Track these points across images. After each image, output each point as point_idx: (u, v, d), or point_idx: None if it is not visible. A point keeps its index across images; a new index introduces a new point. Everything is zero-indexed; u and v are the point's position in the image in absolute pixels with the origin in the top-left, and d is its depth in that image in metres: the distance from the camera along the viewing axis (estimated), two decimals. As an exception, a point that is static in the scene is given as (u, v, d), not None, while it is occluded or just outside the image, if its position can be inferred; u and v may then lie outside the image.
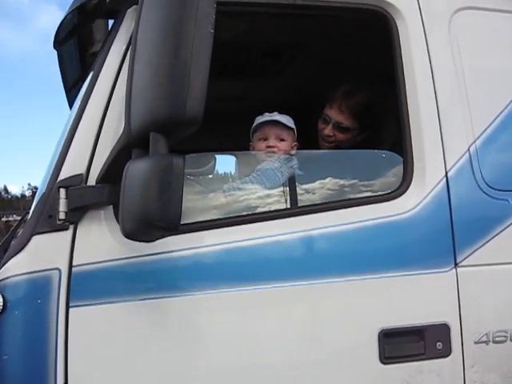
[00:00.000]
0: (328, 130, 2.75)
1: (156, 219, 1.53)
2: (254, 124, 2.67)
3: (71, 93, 2.88)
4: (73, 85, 2.80)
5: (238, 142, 2.78)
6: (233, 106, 3.61)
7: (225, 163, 3.47)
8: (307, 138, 2.84)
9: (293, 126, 2.65)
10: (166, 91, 1.54)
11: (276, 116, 2.64)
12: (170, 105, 1.53)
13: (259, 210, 2.16)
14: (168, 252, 1.87)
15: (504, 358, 2.07)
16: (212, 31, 1.58)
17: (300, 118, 2.74)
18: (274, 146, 2.58)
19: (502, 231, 2.11)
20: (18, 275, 1.78)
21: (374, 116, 2.75)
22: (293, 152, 2.53)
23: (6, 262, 1.81)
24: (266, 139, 2.62)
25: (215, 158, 3.75)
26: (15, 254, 1.80)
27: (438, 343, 2.00)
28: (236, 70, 3.19)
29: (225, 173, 3.49)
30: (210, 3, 1.58)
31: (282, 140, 2.61)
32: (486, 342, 2.05)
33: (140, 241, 1.67)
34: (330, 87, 2.73)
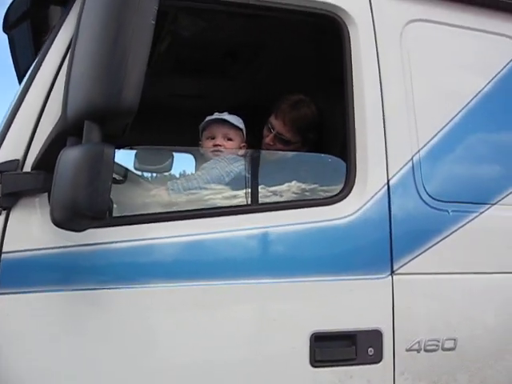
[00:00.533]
0: (269, 139, 2.74)
1: (83, 207, 1.51)
2: (203, 122, 2.68)
3: (23, 78, 2.83)
4: (25, 70, 2.75)
5: (194, 139, 2.78)
6: (191, 103, 3.60)
7: (183, 161, 3.46)
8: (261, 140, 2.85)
9: (241, 126, 2.66)
10: (102, 80, 1.53)
11: (225, 115, 2.65)
12: (105, 94, 1.52)
13: (197, 207, 2.15)
14: (102, 243, 1.84)
15: (434, 367, 2.09)
16: (153, 23, 1.57)
17: (256, 120, 2.74)
18: (220, 145, 2.59)
19: (440, 241, 2.13)
20: None
21: (320, 132, 2.76)
22: (240, 152, 2.54)
23: None
24: (213, 138, 2.63)
25: (173, 156, 3.74)
26: None
27: (370, 349, 2.01)
28: (195, 67, 3.18)
29: (184, 171, 3.46)
30: None
31: (230, 139, 2.62)
32: (418, 350, 2.07)
33: (68, 229, 1.64)
34: (285, 90, 2.74)
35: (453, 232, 2.15)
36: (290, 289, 1.97)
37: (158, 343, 1.89)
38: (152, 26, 1.57)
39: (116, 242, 1.86)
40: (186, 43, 2.83)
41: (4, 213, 1.79)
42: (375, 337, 2.02)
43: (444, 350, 2.10)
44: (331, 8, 2.15)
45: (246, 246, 1.99)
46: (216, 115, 2.66)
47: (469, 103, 2.28)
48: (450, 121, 2.23)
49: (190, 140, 2.87)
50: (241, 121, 2.67)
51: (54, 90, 1.87)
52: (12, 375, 1.76)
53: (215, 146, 2.59)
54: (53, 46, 1.93)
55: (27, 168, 1.82)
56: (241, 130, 2.66)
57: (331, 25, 2.18)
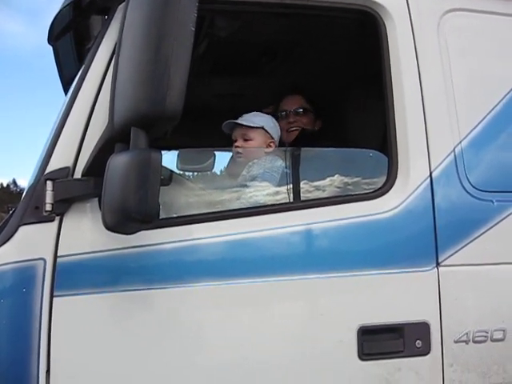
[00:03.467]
0: (290, 119, 3.05)
1: (133, 212, 1.57)
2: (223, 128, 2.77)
3: (69, 88, 2.92)
4: (70, 80, 2.85)
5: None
6: (232, 102, 3.64)
7: (225, 160, 3.51)
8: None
9: (258, 124, 2.71)
10: (146, 88, 1.58)
11: (239, 119, 2.73)
12: (149, 101, 1.58)
13: (241, 206, 2.18)
14: (150, 245, 1.90)
15: (483, 358, 2.08)
16: (193, 29, 1.62)
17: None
18: (239, 146, 2.68)
19: (485, 232, 2.12)
20: (4, 264, 1.83)
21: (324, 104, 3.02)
22: (267, 150, 2.63)
23: (-7, 252, 1.85)
24: (235, 140, 2.72)
25: (215, 155, 3.80)
26: (2, 244, 1.85)
27: (418, 341, 2.02)
28: (233, 67, 3.22)
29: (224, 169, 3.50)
30: (192, 2, 1.62)
31: (249, 140, 2.69)
32: (466, 342, 2.06)
33: (119, 233, 1.71)
34: (321, 86, 2.76)
35: (498, 222, 2.14)
36: (336, 284, 1.99)
37: (206, 341, 1.94)
38: (192, 32, 1.61)
39: (164, 243, 1.92)
40: (224, 44, 2.87)
41: (57, 219, 1.87)
42: (423, 329, 2.02)
43: (493, 340, 2.09)
44: (367, 3, 2.15)
45: (291, 242, 2.01)
46: (226, 122, 2.73)
47: (510, 91, 2.25)
48: (492, 110, 2.21)
49: (230, 138, 2.92)
50: (260, 119, 2.73)
51: (99, 98, 1.93)
52: (66, 375, 1.83)
53: (236, 147, 2.69)
54: (97, 55, 1.99)
55: (77, 175, 1.89)
56: (260, 128, 2.70)
57: (367, 20, 2.19)
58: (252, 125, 2.69)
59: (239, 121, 2.71)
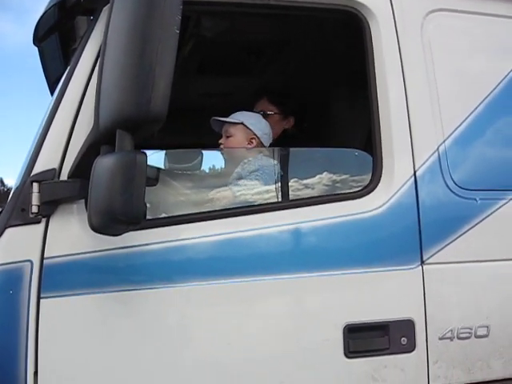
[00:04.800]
0: None
1: (119, 213, 1.58)
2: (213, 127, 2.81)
3: (54, 89, 2.92)
4: (56, 81, 2.84)
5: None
6: (219, 101, 3.65)
7: (212, 159, 3.52)
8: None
9: (238, 120, 2.73)
10: (131, 90, 1.59)
11: (215, 118, 2.76)
12: (134, 104, 1.59)
13: (228, 206, 2.20)
14: (137, 246, 1.91)
15: (468, 355, 2.11)
16: (177, 32, 1.62)
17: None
18: (221, 143, 2.73)
19: (468, 230, 2.15)
20: (-10, 266, 1.83)
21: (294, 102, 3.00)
22: (249, 147, 2.68)
23: (-20, 254, 1.85)
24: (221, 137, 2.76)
25: (202, 154, 3.81)
26: (-12, 246, 1.85)
27: (403, 338, 2.04)
28: (220, 67, 3.23)
29: (211, 168, 3.52)
30: (176, 4, 1.63)
31: (229, 136, 2.72)
32: (451, 338, 2.09)
33: (106, 234, 1.72)
34: (307, 85, 2.78)
35: (482, 220, 2.17)
36: (322, 282, 2.01)
37: (194, 340, 1.95)
38: (176, 34, 1.62)
39: (151, 243, 1.93)
40: (210, 44, 2.88)
41: (44, 220, 1.87)
42: (408, 326, 2.05)
43: (477, 337, 2.12)
44: (351, 3, 2.17)
45: (277, 242, 2.03)
46: (212, 118, 2.77)
47: (493, 90, 2.28)
48: (475, 109, 2.24)
49: (218, 138, 2.93)
50: (241, 115, 2.75)
51: (85, 100, 1.94)
52: (54, 376, 1.84)
53: (219, 144, 2.74)
54: (82, 57, 1.99)
55: (64, 177, 1.90)
56: (241, 123, 2.72)
57: (351, 20, 2.21)
58: (231, 120, 2.72)
59: (219, 118, 2.74)
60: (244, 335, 1.97)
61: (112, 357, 1.88)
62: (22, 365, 1.80)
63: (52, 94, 2.93)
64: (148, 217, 2.01)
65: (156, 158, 3.14)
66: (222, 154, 2.75)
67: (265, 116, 2.95)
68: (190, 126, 3.57)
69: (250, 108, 2.92)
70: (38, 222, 1.86)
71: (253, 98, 3.11)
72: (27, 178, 1.88)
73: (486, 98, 2.27)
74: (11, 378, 1.80)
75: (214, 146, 2.85)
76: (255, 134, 2.73)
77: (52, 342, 1.84)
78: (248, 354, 1.97)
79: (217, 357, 1.95)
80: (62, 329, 1.86)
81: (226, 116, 2.76)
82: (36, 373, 1.81)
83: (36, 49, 2.73)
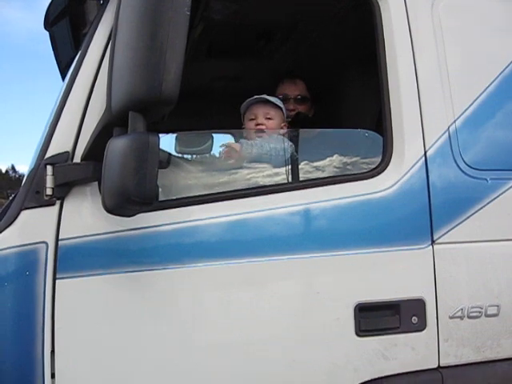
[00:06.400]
0: (290, 106, 3.03)
1: (133, 194, 1.61)
2: (243, 104, 2.75)
3: (65, 73, 2.94)
4: (67, 65, 2.86)
5: (233, 119, 2.84)
6: (230, 85, 3.66)
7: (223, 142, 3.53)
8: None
9: (281, 105, 2.72)
10: (143, 73, 1.61)
11: (264, 96, 2.70)
12: (146, 86, 1.60)
13: (241, 187, 2.21)
14: (151, 227, 1.94)
15: (478, 333, 2.13)
16: (188, 14, 1.63)
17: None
18: (262, 124, 2.66)
19: (479, 210, 2.16)
20: (6, 248, 1.86)
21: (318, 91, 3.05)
22: (282, 131, 2.62)
23: (-4, 236, 1.88)
24: (254, 118, 2.69)
25: (212, 137, 3.82)
26: (4, 229, 1.88)
27: (414, 317, 2.06)
28: (230, 50, 3.23)
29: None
30: None
31: (270, 118, 2.68)
32: (461, 317, 2.11)
33: (119, 215, 1.74)
34: (317, 68, 2.78)
35: (492, 200, 2.18)
36: (333, 262, 2.03)
37: (206, 320, 1.98)
38: (187, 17, 1.63)
39: (163, 224, 1.95)
40: (220, 27, 2.88)
41: (58, 203, 1.91)
42: (418, 305, 2.07)
43: (487, 316, 2.14)
44: (360, -16, 2.17)
45: (288, 222, 2.05)
46: (256, 97, 2.71)
47: (504, 70, 2.28)
48: (486, 89, 2.24)
49: (229, 120, 2.94)
50: (279, 101, 2.74)
51: (97, 83, 1.96)
52: (70, 355, 1.88)
53: (257, 125, 2.66)
54: (93, 40, 2.01)
55: (77, 159, 1.93)
56: (280, 108, 2.72)
57: (361, 2, 2.20)
58: (279, 104, 2.71)
59: (267, 97, 2.70)
60: (255, 315, 1.99)
61: (124, 336, 1.92)
62: (39, 344, 1.84)
63: (63, 78, 2.95)
64: (160, 199, 2.04)
65: (166, 142, 3.15)
66: (260, 136, 2.59)
67: (302, 100, 3.02)
68: (199, 109, 3.58)
69: (262, 91, 2.89)
70: (53, 204, 1.90)
71: (276, 78, 3.12)
72: (41, 161, 1.91)
73: (497, 78, 2.27)
74: (29, 357, 1.84)
75: (224, 128, 2.86)
76: (285, 121, 2.75)
77: (68, 322, 1.88)
78: (260, 334, 1.99)
79: (229, 336, 1.98)
80: (77, 308, 1.90)
81: (240, 100, 2.75)
82: (53, 351, 1.85)
83: (46, 34, 2.75)
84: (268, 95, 2.74)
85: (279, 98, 3.01)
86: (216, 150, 3.73)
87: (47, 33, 2.74)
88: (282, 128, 2.69)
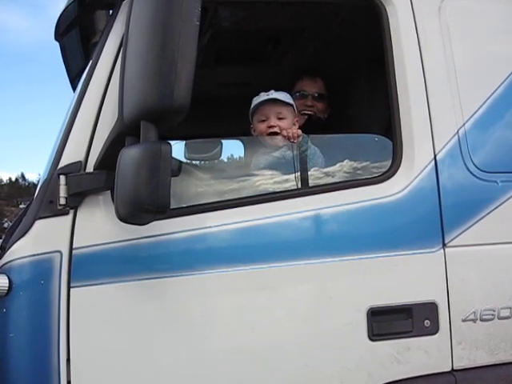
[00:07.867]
0: (308, 102, 3.07)
1: (146, 203, 1.62)
2: (252, 105, 2.65)
3: (75, 83, 2.97)
4: (77, 75, 2.89)
5: (245, 126, 2.85)
6: (237, 91, 3.67)
7: (231, 148, 3.55)
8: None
9: (291, 101, 2.63)
10: (154, 82, 1.62)
11: (273, 94, 2.60)
12: (158, 95, 1.62)
13: (252, 193, 2.22)
14: (163, 235, 1.95)
15: (491, 336, 2.13)
16: (198, 23, 1.65)
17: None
18: (274, 126, 2.53)
19: (490, 212, 2.16)
20: (22, 258, 1.88)
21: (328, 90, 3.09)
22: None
23: (11, 246, 1.91)
24: (265, 119, 2.57)
25: (221, 143, 3.84)
26: (19, 238, 1.90)
27: (426, 321, 2.07)
28: (238, 56, 3.25)
29: (231, 157, 3.54)
30: None
31: (282, 118, 2.56)
32: (474, 320, 2.11)
33: (133, 224, 1.76)
34: (325, 72, 2.79)
35: (503, 202, 2.18)
36: (345, 267, 2.04)
37: (219, 326, 1.99)
38: (197, 26, 1.65)
39: (175, 232, 1.97)
40: (228, 33, 2.89)
41: (72, 212, 1.92)
42: (431, 309, 2.07)
43: (500, 318, 2.14)
44: (368, -11, 2.18)
45: (300, 228, 2.06)
46: (264, 95, 2.62)
47: (512, 73, 2.28)
48: (495, 91, 2.24)
49: (238, 126, 2.95)
50: (289, 96, 2.65)
51: (108, 93, 1.98)
52: (86, 363, 1.90)
53: (270, 127, 2.55)
54: (103, 50, 2.03)
55: (89, 169, 1.94)
56: (291, 105, 2.62)
57: (369, 5, 2.21)
58: (289, 101, 2.59)
59: (277, 96, 2.58)
60: (268, 320, 2.00)
61: (139, 343, 1.93)
62: (55, 352, 1.86)
63: (73, 88, 2.98)
64: (172, 206, 2.05)
65: (176, 149, 3.17)
66: (275, 137, 2.52)
67: (320, 98, 3.04)
68: (208, 116, 3.59)
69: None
70: (66, 214, 1.91)
71: (285, 82, 3.12)
72: (54, 171, 1.93)
73: (506, 80, 2.27)
74: (45, 365, 1.86)
75: (232, 135, 2.86)
76: (296, 116, 2.65)
77: (83, 330, 1.90)
78: (272, 339, 2.00)
79: (242, 342, 2.00)
80: (92, 316, 1.91)
81: (248, 106, 2.68)
82: (68, 360, 1.87)
83: (54, 42, 2.77)
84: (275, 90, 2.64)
85: (296, 96, 2.99)
86: (225, 156, 3.77)
87: (56, 42, 2.76)
88: (294, 124, 2.59)
